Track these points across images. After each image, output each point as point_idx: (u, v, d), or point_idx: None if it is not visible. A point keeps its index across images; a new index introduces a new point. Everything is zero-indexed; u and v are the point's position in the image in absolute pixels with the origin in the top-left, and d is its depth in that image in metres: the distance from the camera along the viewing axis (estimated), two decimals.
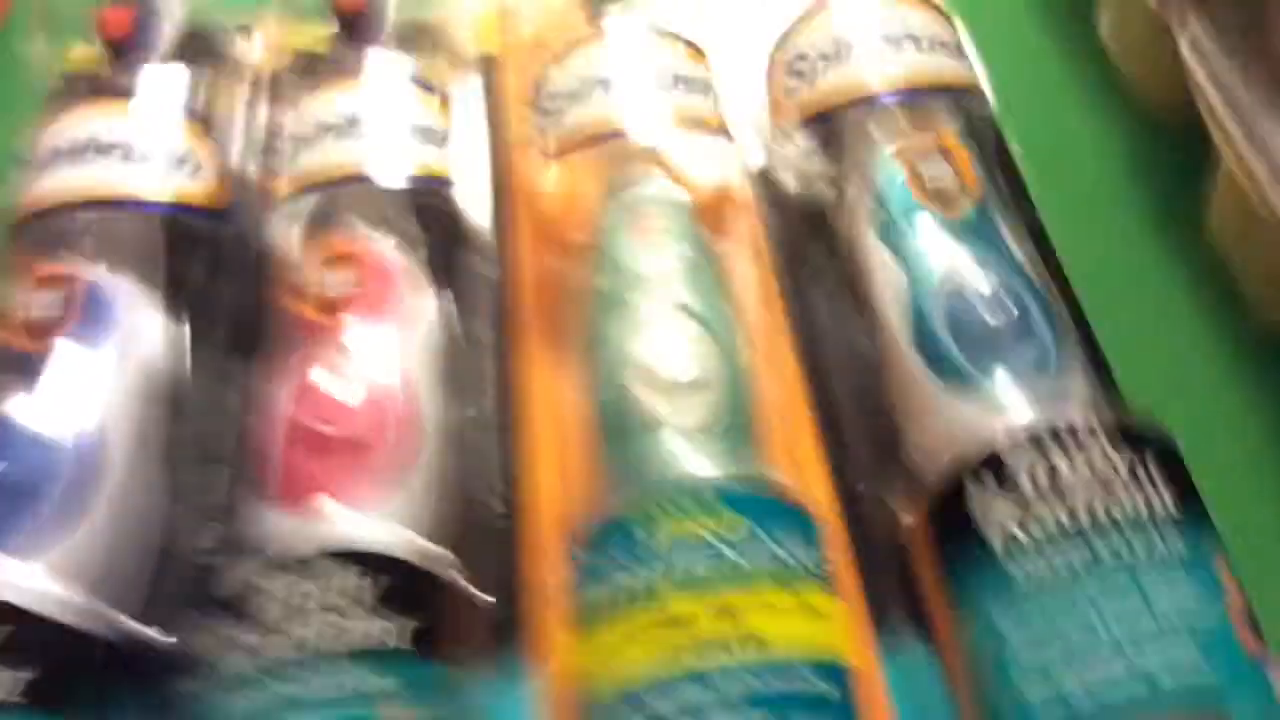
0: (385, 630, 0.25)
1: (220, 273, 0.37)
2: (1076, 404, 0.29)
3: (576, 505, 0.30)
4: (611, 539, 0.27)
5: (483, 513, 0.31)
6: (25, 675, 0.26)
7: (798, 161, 0.36)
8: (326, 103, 0.36)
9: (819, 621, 0.26)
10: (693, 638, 0.25)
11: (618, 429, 0.29)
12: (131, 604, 0.30)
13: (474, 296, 0.36)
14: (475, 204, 0.38)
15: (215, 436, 0.33)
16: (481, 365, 0.34)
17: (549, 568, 0.29)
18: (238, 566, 0.27)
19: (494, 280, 0.36)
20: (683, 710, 0.24)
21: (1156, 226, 0.38)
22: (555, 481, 0.31)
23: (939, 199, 0.32)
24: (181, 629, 0.28)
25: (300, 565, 0.26)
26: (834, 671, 0.25)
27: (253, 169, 0.39)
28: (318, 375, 0.31)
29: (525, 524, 0.31)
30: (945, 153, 0.33)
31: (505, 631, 0.29)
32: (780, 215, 0.36)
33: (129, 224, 0.35)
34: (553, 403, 0.33)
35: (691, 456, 0.28)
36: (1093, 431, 0.27)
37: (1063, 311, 0.31)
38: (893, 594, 0.29)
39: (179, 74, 0.38)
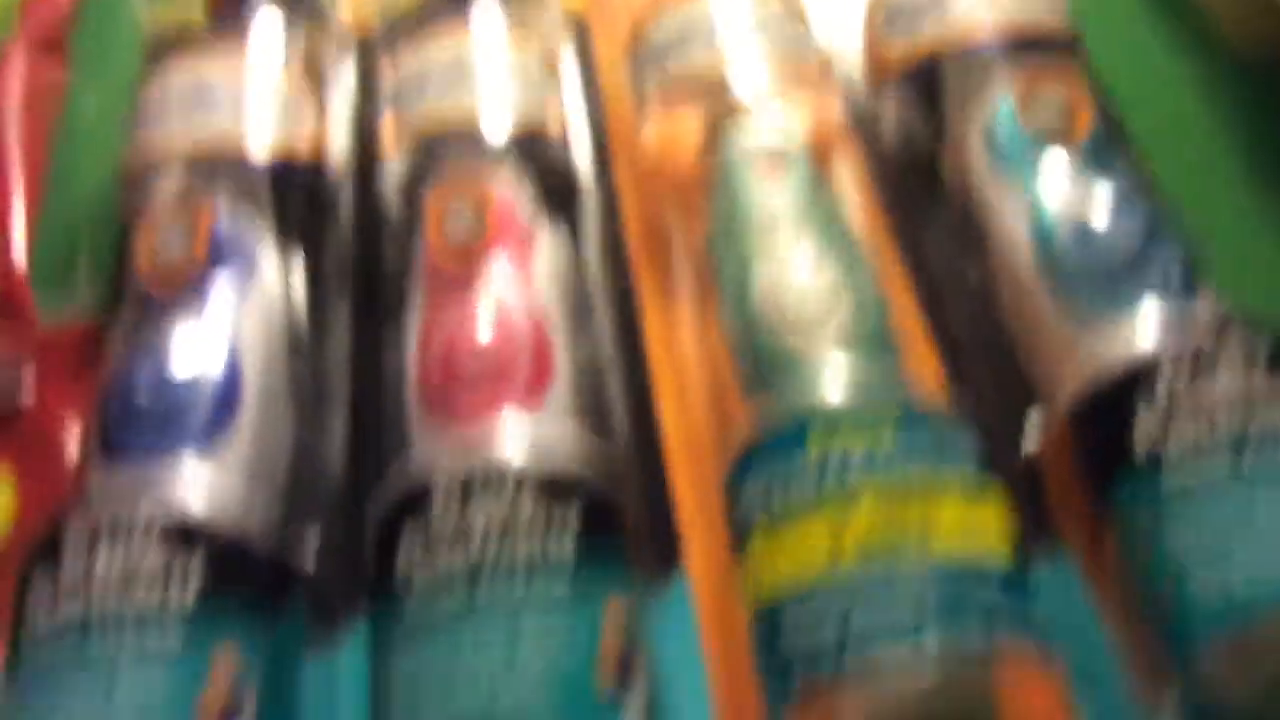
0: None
1: (326, 223, 0.37)
2: (1208, 326, 0.29)
3: (718, 439, 0.30)
4: (769, 460, 0.27)
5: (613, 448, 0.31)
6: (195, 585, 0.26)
7: (896, 113, 0.37)
8: (439, 53, 0.37)
9: (984, 525, 0.27)
10: (860, 543, 0.25)
11: (766, 360, 0.30)
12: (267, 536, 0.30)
13: (585, 245, 0.36)
14: (577, 158, 0.38)
15: (327, 375, 0.34)
16: (599, 308, 0.35)
17: (693, 494, 0.30)
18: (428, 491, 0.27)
19: (602, 230, 0.37)
20: (851, 608, 0.25)
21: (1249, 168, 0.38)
22: (682, 419, 0.32)
23: (1054, 132, 0.33)
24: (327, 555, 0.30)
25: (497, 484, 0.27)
26: (1003, 574, 0.26)
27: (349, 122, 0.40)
28: (459, 313, 0.31)
29: (659, 455, 0.31)
30: (1052, 88, 0.34)
31: (663, 554, 0.30)
32: (880, 163, 0.37)
33: (242, 174, 0.36)
34: (669, 346, 0.34)
35: (840, 377, 0.29)
36: (1225, 350, 0.28)
37: (1186, 236, 0.31)
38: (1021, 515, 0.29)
39: (285, 26, 0.39)
